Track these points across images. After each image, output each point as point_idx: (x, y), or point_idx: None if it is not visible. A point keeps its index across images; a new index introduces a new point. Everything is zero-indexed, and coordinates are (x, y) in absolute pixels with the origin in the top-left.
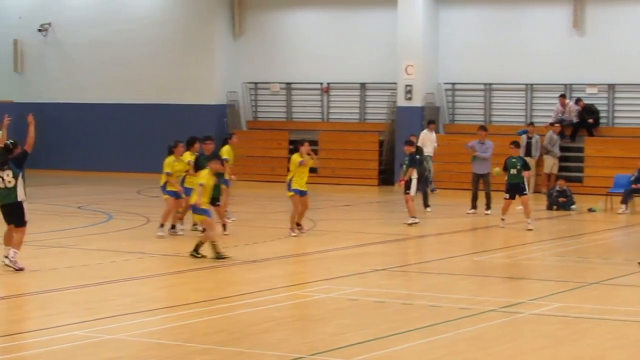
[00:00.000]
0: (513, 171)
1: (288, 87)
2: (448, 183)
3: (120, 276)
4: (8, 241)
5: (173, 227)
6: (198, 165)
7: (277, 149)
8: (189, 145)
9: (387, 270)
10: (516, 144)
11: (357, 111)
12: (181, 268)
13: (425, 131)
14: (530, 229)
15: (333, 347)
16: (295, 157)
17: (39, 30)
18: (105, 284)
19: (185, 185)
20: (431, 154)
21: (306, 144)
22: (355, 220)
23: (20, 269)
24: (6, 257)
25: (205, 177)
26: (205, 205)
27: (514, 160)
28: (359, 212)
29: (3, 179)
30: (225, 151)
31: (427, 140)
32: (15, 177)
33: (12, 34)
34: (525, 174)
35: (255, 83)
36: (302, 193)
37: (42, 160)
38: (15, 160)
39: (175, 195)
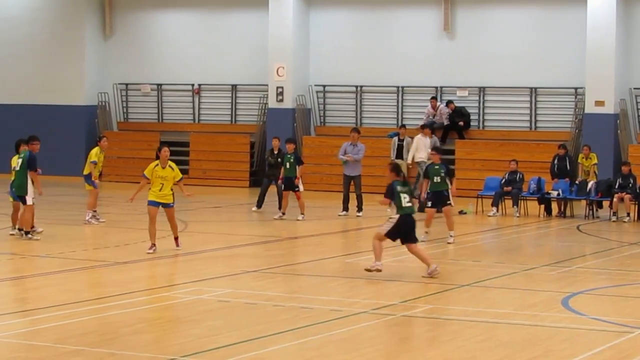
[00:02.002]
0: (436, 179)
1: (159, 88)
2: (319, 185)
3: None
4: None
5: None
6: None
7: (147, 150)
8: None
9: (258, 272)
10: (438, 150)
11: (228, 113)
12: (50, 269)
13: (419, 136)
14: (451, 242)
15: (203, 349)
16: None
17: None
18: None
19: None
20: (425, 160)
21: (165, 148)
22: (225, 221)
23: None
24: None
25: None
26: None
27: (437, 167)
28: (230, 214)
29: None
30: (94, 153)
31: (422, 145)
32: None
33: None
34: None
35: (126, 84)
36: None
37: None
38: None
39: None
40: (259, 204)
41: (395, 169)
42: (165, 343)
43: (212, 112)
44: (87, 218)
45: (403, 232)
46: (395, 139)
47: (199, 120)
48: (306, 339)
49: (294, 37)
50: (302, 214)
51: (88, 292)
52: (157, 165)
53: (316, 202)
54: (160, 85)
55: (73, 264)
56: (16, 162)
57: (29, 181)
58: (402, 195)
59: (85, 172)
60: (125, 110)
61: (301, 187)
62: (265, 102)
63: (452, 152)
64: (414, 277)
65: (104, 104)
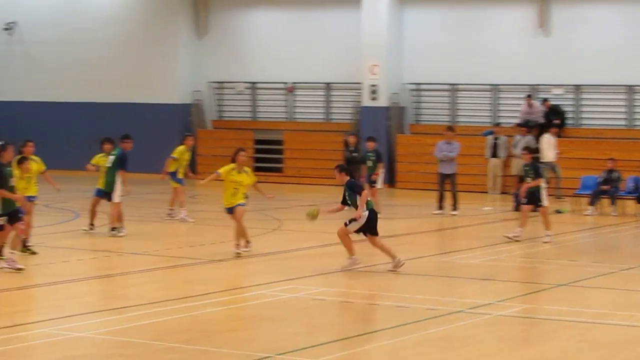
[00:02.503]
0: (528, 179)
1: (253, 86)
2: (414, 183)
3: (87, 274)
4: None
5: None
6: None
7: None
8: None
9: (353, 270)
10: (529, 150)
11: (322, 111)
12: (147, 266)
13: (547, 135)
14: (547, 242)
15: (298, 347)
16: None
17: (5, 29)
18: (72, 282)
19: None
20: (554, 160)
21: (242, 152)
22: (319, 219)
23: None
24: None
25: None
26: None
27: (526, 167)
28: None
29: None
30: (178, 151)
31: (551, 145)
32: None
33: None
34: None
35: (220, 82)
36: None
37: None
38: None
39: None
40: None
41: (344, 169)
42: (259, 341)
43: (306, 110)
44: (182, 216)
45: (369, 225)
46: (491, 137)
47: (292, 118)
48: (401, 338)
49: (387, 35)
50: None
51: (183, 290)
52: (234, 169)
53: (411, 201)
54: (254, 83)
55: (168, 261)
56: (101, 160)
57: (118, 179)
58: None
59: (171, 169)
60: (219, 109)
61: (379, 184)
62: (358, 100)
63: None
64: (509, 277)
65: (198, 102)
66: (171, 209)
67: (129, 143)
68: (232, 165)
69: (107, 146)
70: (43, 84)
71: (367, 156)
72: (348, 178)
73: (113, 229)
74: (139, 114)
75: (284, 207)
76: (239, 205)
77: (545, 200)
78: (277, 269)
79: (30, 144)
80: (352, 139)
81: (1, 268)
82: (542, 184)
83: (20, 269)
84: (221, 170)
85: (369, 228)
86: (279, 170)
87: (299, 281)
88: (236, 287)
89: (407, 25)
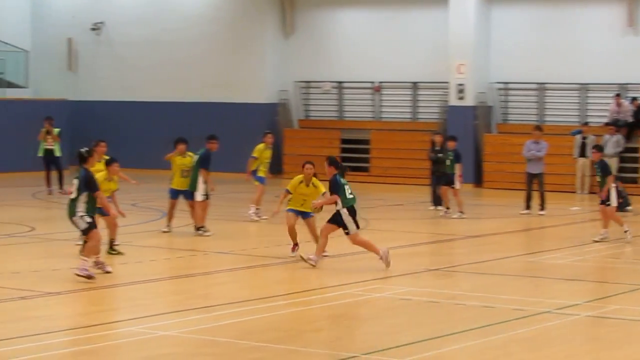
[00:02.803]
0: (598, 179)
1: (339, 85)
2: (501, 183)
3: (174, 273)
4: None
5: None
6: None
7: (328, 148)
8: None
9: (440, 270)
10: (598, 148)
11: (409, 110)
12: (234, 265)
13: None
14: (600, 240)
15: (385, 347)
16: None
17: (92, 29)
18: (159, 281)
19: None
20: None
21: (308, 165)
22: (406, 219)
23: (90, 277)
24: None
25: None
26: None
27: (595, 166)
28: (411, 212)
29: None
30: (258, 149)
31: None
32: (79, 190)
33: (66, 32)
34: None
35: (307, 82)
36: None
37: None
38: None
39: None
40: (435, 202)
41: (334, 162)
42: (346, 340)
43: (393, 109)
44: (249, 212)
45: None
46: (579, 136)
47: (379, 117)
48: (489, 338)
49: (474, 34)
50: (461, 211)
51: (268, 289)
52: (302, 182)
53: (498, 200)
54: (341, 82)
55: (254, 260)
56: (180, 160)
57: (200, 178)
58: (346, 187)
59: (252, 168)
60: (306, 108)
61: (457, 185)
62: (445, 99)
63: (636, 150)
64: (596, 277)
65: (284, 101)
66: (257, 208)
67: (214, 143)
68: (300, 177)
69: (180, 146)
70: (130, 83)
71: (446, 155)
72: (335, 173)
73: (199, 228)
74: (226, 113)
75: (370, 207)
76: (309, 215)
77: (614, 200)
78: (362, 268)
79: (103, 143)
80: (438, 139)
81: (78, 274)
82: (612, 183)
83: (108, 272)
84: (289, 187)
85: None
86: (365, 169)
87: (384, 281)
88: (322, 286)
89: (495, 24)
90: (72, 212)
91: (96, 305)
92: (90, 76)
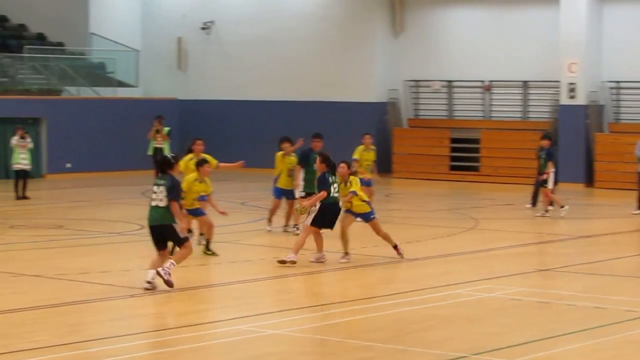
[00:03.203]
0: None
1: (449, 84)
2: (613, 183)
3: (282, 272)
4: (156, 265)
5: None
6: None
7: (437, 147)
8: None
9: (550, 270)
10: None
11: (519, 109)
12: (341, 265)
13: None
14: None
15: (495, 347)
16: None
17: (202, 28)
18: (267, 280)
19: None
20: None
21: (342, 165)
22: (516, 219)
23: (169, 283)
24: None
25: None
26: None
27: None
28: (521, 211)
29: (155, 194)
30: (357, 151)
31: None
32: (169, 198)
33: (176, 32)
34: None
35: (416, 81)
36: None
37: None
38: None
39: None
40: (533, 202)
41: (326, 160)
42: (455, 340)
43: (503, 108)
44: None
45: (328, 219)
46: None
47: (489, 117)
48: (601, 339)
49: (586, 32)
50: (546, 210)
51: (379, 288)
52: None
53: (609, 201)
54: (451, 81)
55: (364, 260)
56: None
57: (299, 175)
58: (333, 186)
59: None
60: (415, 107)
61: (550, 184)
62: (556, 98)
63: None
64: None
65: (394, 100)
66: None
67: (319, 142)
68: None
69: (285, 145)
70: (239, 82)
71: (540, 154)
72: (325, 170)
73: (294, 225)
74: (335, 112)
75: (480, 207)
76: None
77: (551, 183)
78: (473, 268)
79: (200, 142)
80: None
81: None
82: (552, 168)
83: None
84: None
85: (329, 222)
86: (475, 169)
87: (495, 281)
88: (432, 286)
89: (607, 22)
90: (170, 219)
91: (204, 304)
92: (199, 75)
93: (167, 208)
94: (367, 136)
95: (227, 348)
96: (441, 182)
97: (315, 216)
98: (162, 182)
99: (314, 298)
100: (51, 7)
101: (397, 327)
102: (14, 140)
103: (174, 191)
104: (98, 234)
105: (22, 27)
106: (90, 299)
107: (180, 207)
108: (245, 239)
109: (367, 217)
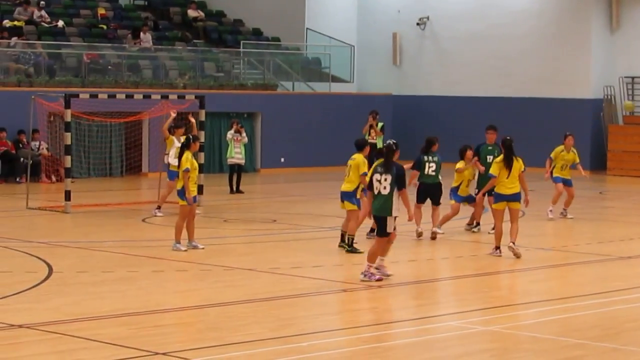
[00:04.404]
0: None
1: None
2: None
3: (495, 268)
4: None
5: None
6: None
7: None
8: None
9: None
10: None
11: None
12: (554, 262)
13: None
14: None
15: None
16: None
17: (417, 24)
18: (478, 276)
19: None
20: None
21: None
22: None
23: (379, 280)
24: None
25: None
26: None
27: None
28: None
29: (379, 183)
30: (555, 151)
31: None
32: (393, 186)
33: (392, 27)
34: None
35: (632, 77)
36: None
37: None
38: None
39: None
40: None
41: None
42: None
43: None
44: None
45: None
46: None
47: None
48: None
49: None
50: None
51: (592, 286)
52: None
53: None
54: None
55: (576, 257)
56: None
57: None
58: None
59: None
60: (631, 104)
61: None
62: None
63: None
64: None
65: (609, 97)
66: (564, 209)
67: (493, 134)
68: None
69: (491, 135)
70: (454, 78)
71: None
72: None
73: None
74: (550, 109)
75: None
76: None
77: None
78: None
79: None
80: None
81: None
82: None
83: (387, 275)
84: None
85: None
86: None
87: None
88: None
89: None
90: (387, 210)
91: (416, 300)
92: (414, 71)
93: (389, 197)
94: (569, 137)
95: (439, 344)
96: None
97: None
98: (384, 169)
99: (524, 295)
100: (267, 2)
101: (610, 325)
102: (230, 134)
103: (400, 179)
104: (311, 228)
105: (238, 22)
106: (302, 293)
107: None
108: (454, 235)
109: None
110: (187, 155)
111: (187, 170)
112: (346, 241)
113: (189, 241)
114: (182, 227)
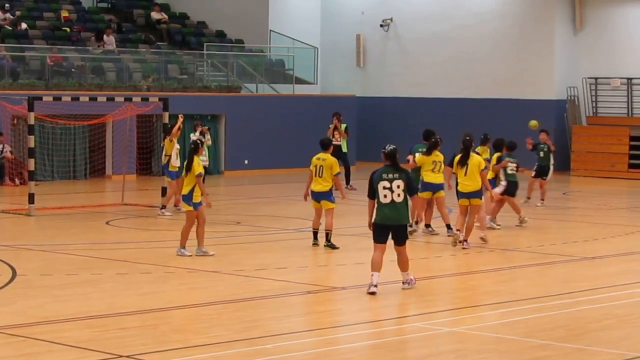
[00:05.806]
0: None
1: (629, 82)
2: None
3: (462, 270)
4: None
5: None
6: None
7: (616, 145)
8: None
9: None
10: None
11: None
12: (519, 263)
13: None
14: None
15: None
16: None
17: (381, 25)
18: (443, 277)
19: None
20: None
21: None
22: None
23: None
24: (406, 283)
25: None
26: None
27: None
28: None
29: (391, 190)
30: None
31: None
32: (406, 191)
33: (355, 29)
34: None
35: (595, 78)
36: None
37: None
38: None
39: None
40: None
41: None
42: (634, 340)
43: None
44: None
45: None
46: None
47: None
48: None
49: None
50: None
51: (557, 287)
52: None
53: None
54: (631, 79)
55: (541, 258)
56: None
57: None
58: None
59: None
60: (594, 105)
61: None
62: None
63: None
64: None
65: (573, 98)
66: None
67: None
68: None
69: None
70: (418, 80)
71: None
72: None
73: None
74: (514, 110)
75: None
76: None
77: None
78: None
79: None
80: None
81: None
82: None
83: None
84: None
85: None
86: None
87: None
88: (610, 285)
89: None
90: (405, 218)
91: (381, 301)
92: (378, 72)
93: (405, 205)
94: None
95: (404, 346)
96: (620, 180)
97: None
98: (395, 175)
99: (490, 296)
100: (231, 4)
101: (575, 325)
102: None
103: (410, 185)
104: (276, 230)
105: (202, 24)
106: (267, 295)
107: None
108: (430, 237)
109: None
110: (197, 159)
111: (200, 175)
112: (329, 238)
113: (198, 247)
114: (188, 232)
